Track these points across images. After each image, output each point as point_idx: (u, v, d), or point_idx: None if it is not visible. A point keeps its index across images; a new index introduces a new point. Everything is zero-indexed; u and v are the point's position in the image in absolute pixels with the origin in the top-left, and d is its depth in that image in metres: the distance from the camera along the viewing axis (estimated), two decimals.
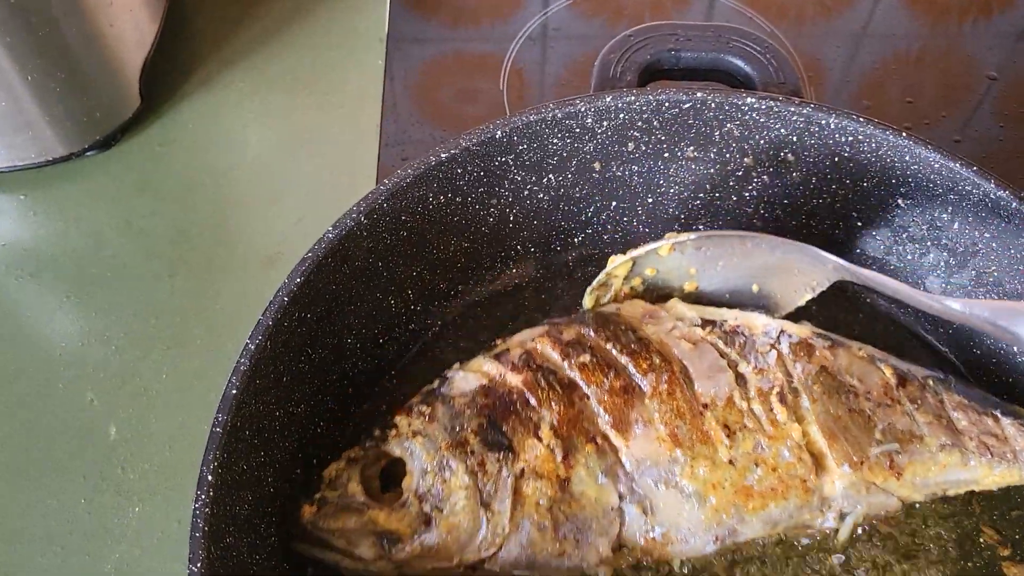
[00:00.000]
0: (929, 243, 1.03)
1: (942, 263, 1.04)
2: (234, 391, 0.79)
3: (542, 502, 0.85)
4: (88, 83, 1.21)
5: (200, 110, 1.35)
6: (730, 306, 0.99)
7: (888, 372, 0.89)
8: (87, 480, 1.02)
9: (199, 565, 0.71)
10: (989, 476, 0.88)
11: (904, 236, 1.05)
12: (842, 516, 0.88)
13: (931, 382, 0.90)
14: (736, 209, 1.08)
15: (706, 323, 0.91)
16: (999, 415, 0.89)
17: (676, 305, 0.95)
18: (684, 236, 0.94)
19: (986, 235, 0.96)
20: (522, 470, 0.85)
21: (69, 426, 1.05)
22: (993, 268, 0.98)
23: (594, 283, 0.98)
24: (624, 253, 0.95)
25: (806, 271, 0.96)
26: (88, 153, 1.28)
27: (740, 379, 0.89)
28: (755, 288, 1.00)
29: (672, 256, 0.97)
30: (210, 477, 0.75)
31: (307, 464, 0.91)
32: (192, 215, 1.24)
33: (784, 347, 0.89)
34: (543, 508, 0.85)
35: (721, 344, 0.88)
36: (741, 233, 0.95)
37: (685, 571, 0.89)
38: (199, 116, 1.34)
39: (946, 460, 0.89)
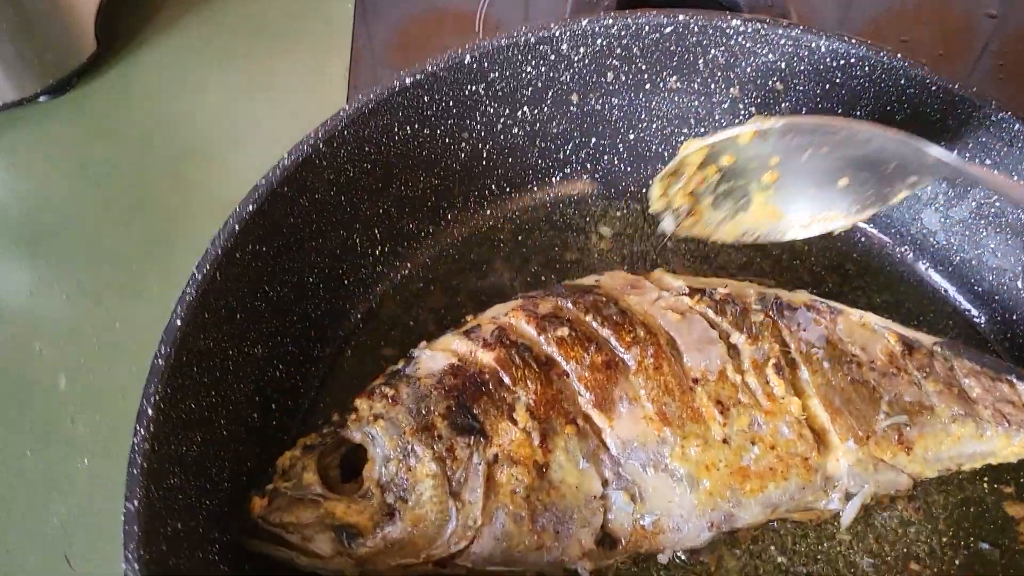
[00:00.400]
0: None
1: (940, 195, 0.98)
2: (179, 322, 0.73)
3: (518, 490, 0.77)
4: (39, 23, 1.14)
5: (159, 55, 1.28)
6: (812, 205, 0.90)
7: (893, 339, 0.82)
8: (33, 432, 0.97)
9: (136, 503, 0.67)
10: (1008, 447, 0.81)
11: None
12: (848, 496, 0.79)
13: (939, 348, 0.83)
14: None
15: (694, 292, 0.83)
16: (1015, 381, 0.82)
17: (662, 276, 0.88)
18: (770, 122, 0.84)
19: (987, 162, 0.90)
20: (495, 456, 0.78)
21: (15, 377, 1.00)
22: (994, 198, 0.92)
23: (663, 171, 0.88)
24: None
25: (904, 165, 0.85)
26: (41, 98, 1.22)
27: (733, 350, 0.81)
28: (842, 182, 0.89)
29: (753, 144, 0.86)
30: (150, 411, 0.70)
31: (265, 409, 0.87)
32: (149, 162, 1.18)
33: (780, 316, 0.81)
34: (519, 497, 0.77)
35: (711, 313, 0.81)
36: (834, 121, 0.84)
37: (678, 560, 0.82)
38: (158, 61, 1.28)
39: (960, 431, 0.82)
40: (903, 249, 1.00)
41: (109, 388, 0.99)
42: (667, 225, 0.88)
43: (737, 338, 0.80)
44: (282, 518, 0.76)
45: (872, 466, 0.79)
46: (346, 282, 0.95)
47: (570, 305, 0.81)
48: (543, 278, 0.98)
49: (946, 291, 0.98)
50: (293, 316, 0.89)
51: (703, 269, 0.97)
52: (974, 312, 0.97)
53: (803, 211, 0.89)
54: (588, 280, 0.86)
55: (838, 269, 1.00)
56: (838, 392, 0.79)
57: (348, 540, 0.76)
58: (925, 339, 0.85)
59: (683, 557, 0.83)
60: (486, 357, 0.78)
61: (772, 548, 0.84)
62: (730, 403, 0.77)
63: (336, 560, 0.76)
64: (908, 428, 0.79)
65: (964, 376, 0.82)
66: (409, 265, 0.99)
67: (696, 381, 0.78)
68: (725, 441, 0.76)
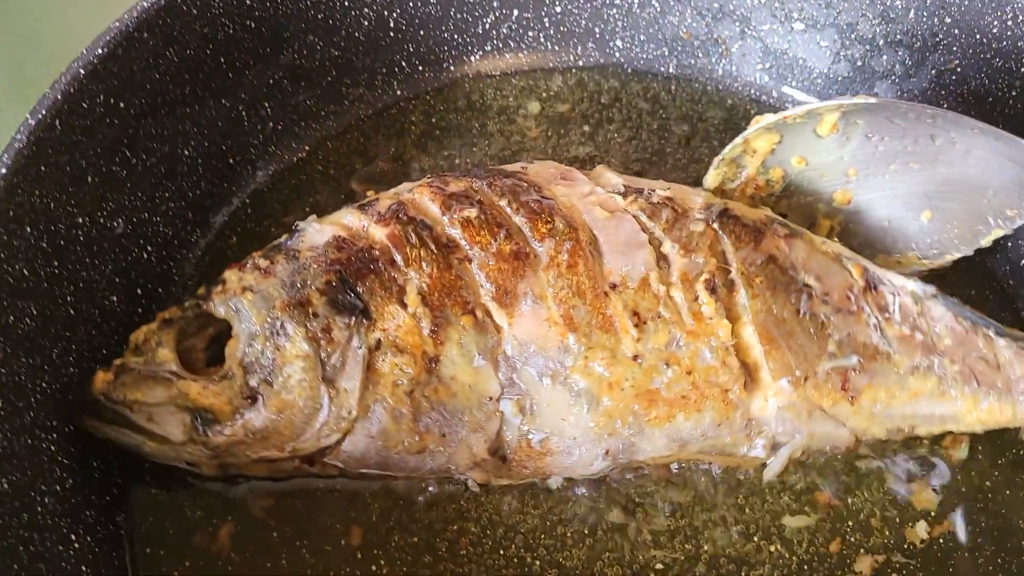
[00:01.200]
0: (881, 41, 0.93)
1: (897, 65, 0.93)
2: (4, 170, 0.69)
3: (401, 383, 0.74)
4: None
5: None
6: (885, 241, 0.84)
7: (856, 272, 0.76)
8: None
9: None
10: (973, 411, 0.76)
11: (853, 37, 0.95)
12: (775, 446, 0.68)
13: (911, 289, 0.72)
14: (659, 19, 0.98)
15: (630, 191, 0.74)
16: (993, 335, 0.76)
17: (603, 171, 0.83)
18: (860, 100, 0.78)
19: (947, 20, 0.85)
20: (378, 341, 0.74)
21: None
22: (956, 62, 0.87)
23: (724, 152, 0.84)
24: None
25: (1003, 192, 0.76)
26: None
27: (662, 260, 0.78)
28: (925, 217, 0.83)
29: (832, 140, 0.81)
30: None
31: (128, 294, 0.82)
32: None
33: (724, 228, 0.70)
34: (401, 391, 0.74)
35: (644, 216, 0.75)
36: (927, 108, 0.77)
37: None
38: None
39: (918, 386, 0.78)
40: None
41: None
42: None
43: (669, 247, 0.74)
44: (127, 395, 0.73)
45: (807, 413, 0.73)
46: (231, 161, 0.92)
47: (484, 187, 0.74)
48: (460, 165, 0.96)
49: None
50: (164, 192, 0.86)
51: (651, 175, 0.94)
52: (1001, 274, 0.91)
53: (870, 247, 0.85)
54: (514, 166, 0.78)
55: None
56: (779, 323, 0.72)
57: (203, 426, 0.73)
58: (897, 278, 0.74)
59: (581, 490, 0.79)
60: (378, 233, 0.74)
61: (677, 488, 0.79)
62: (648, 316, 0.71)
63: (189, 448, 0.74)
64: (856, 374, 0.73)
65: (934, 323, 0.73)
66: (306, 148, 0.96)
67: (613, 287, 0.72)
68: (635, 358, 0.70)
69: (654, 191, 0.81)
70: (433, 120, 0.97)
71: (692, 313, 0.75)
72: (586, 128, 0.98)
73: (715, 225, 0.78)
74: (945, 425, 0.78)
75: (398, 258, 0.75)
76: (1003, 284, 0.89)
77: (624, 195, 0.80)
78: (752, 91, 1.01)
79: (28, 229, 0.71)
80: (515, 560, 0.75)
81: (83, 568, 0.69)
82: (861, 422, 0.76)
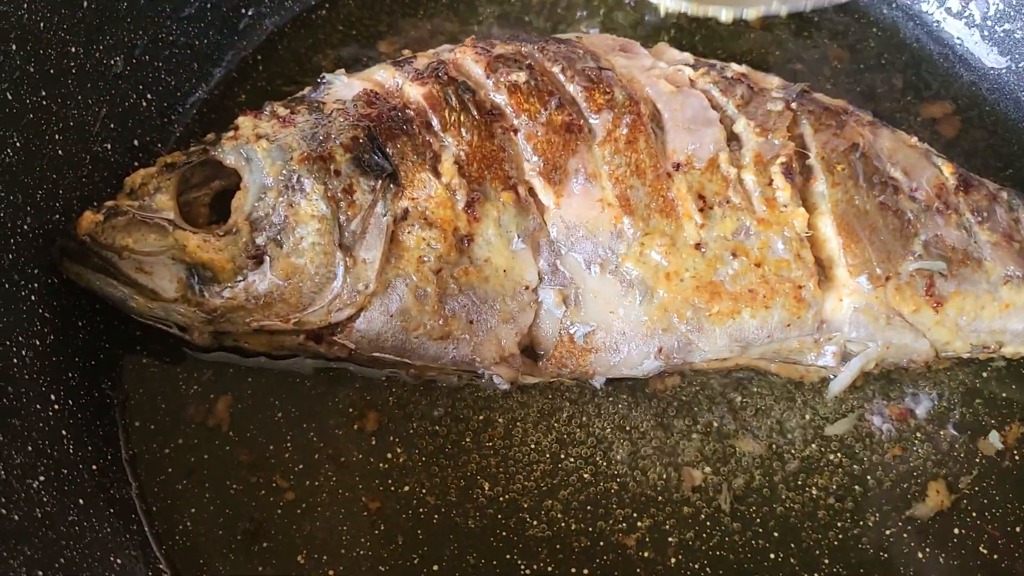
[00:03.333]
0: None
1: None
2: None
3: (428, 259, 0.66)
4: None
5: None
6: None
7: (948, 170, 0.68)
8: None
9: None
10: None
11: None
12: (845, 357, 0.61)
13: (1007, 195, 0.65)
14: None
15: (700, 65, 0.66)
16: None
17: (666, 48, 0.73)
18: None
19: None
20: (405, 211, 0.67)
21: None
22: None
23: None
24: None
25: None
26: None
27: (733, 139, 0.70)
28: None
29: None
30: None
31: (121, 141, 0.75)
32: None
33: (803, 110, 0.63)
34: (427, 268, 0.66)
35: (715, 92, 0.68)
36: None
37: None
38: None
39: (1011, 297, 0.69)
40: None
41: None
42: None
43: (742, 125, 0.66)
44: (116, 239, 0.65)
45: (885, 318, 0.65)
46: (243, 10, 0.84)
47: (535, 51, 0.65)
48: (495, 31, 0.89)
49: None
50: (168, 34, 0.78)
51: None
52: None
53: None
54: (567, 36, 0.68)
55: None
56: (860, 215, 0.65)
57: (199, 284, 0.66)
58: (989, 184, 0.67)
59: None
60: (414, 92, 0.68)
61: (733, 396, 0.71)
62: (715, 201, 0.64)
63: (181, 308, 0.66)
64: (944, 279, 0.65)
65: None
66: (327, 4, 0.88)
67: (677, 167, 0.65)
68: (698, 246, 0.62)
69: (728, 65, 0.74)
70: None
71: (764, 199, 0.67)
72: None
73: (794, 105, 0.71)
74: None
75: (435, 121, 0.68)
76: None
77: (694, 68, 0.72)
78: None
79: (13, 47, 0.64)
80: (547, 455, 0.68)
81: (63, 432, 0.62)
82: (944, 334, 0.69)
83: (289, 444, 0.68)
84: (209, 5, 0.81)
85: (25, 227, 0.65)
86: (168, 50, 0.78)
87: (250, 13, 0.84)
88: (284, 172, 0.66)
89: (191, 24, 0.80)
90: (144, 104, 0.77)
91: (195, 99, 0.81)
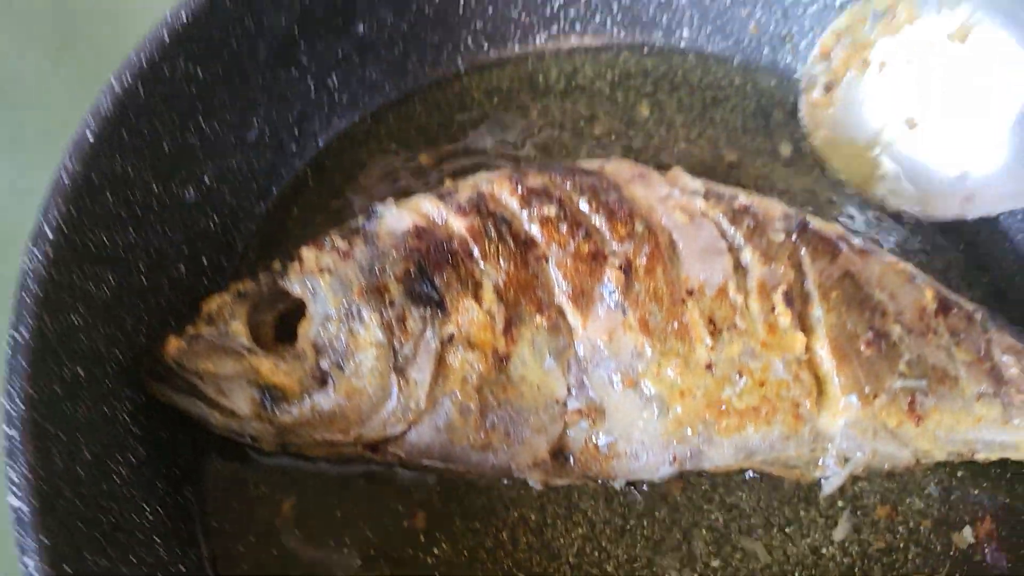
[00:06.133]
0: None
1: None
2: (89, 135, 0.72)
3: (471, 379, 0.77)
4: None
5: None
6: None
7: (929, 294, 0.78)
8: None
9: (25, 333, 0.65)
10: None
11: None
12: (844, 460, 0.71)
13: (980, 315, 0.75)
14: (728, 11, 1.02)
15: (710, 195, 0.76)
16: None
17: (680, 174, 0.84)
18: None
19: None
20: (451, 335, 0.77)
21: None
22: None
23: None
24: None
25: None
26: None
27: (740, 268, 0.81)
28: None
29: None
30: (49, 233, 0.68)
31: (193, 263, 0.85)
32: None
33: (803, 240, 0.73)
34: (471, 386, 0.77)
35: (724, 222, 0.76)
36: None
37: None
38: None
39: (983, 412, 0.80)
40: None
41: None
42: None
43: (748, 255, 0.75)
44: (199, 365, 0.76)
45: (872, 431, 0.76)
46: (296, 131, 0.95)
47: (565, 183, 0.73)
48: (523, 145, 0.98)
49: None
50: (233, 161, 0.89)
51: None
52: None
53: None
54: (592, 163, 0.80)
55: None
56: (852, 338, 0.74)
57: (271, 403, 0.76)
58: (967, 304, 0.76)
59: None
60: (458, 224, 0.75)
61: (738, 495, 0.82)
62: (724, 325, 0.72)
63: (255, 424, 0.77)
64: (924, 396, 0.75)
65: (1002, 352, 0.80)
66: (369, 119, 0.99)
67: (690, 293, 0.74)
68: (709, 367, 0.71)
69: (736, 196, 0.84)
70: (495, 99, 0.99)
71: (767, 324, 0.78)
72: (647, 112, 0.99)
73: (795, 236, 0.81)
74: (1004, 452, 0.81)
75: (476, 251, 0.78)
76: None
77: (705, 197, 0.83)
78: None
79: (107, 195, 0.74)
80: (574, 547, 0.78)
81: (155, 539, 0.72)
82: (924, 443, 0.79)
83: (347, 541, 0.78)
84: (268, 131, 0.90)
85: (118, 354, 0.75)
86: (232, 175, 0.88)
87: (302, 133, 0.94)
88: (345, 303, 0.76)
89: (252, 149, 0.89)
90: (211, 226, 0.87)
91: (255, 215, 0.91)
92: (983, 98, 0.89)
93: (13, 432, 0.62)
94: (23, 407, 0.64)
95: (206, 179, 0.85)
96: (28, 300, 0.66)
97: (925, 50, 0.91)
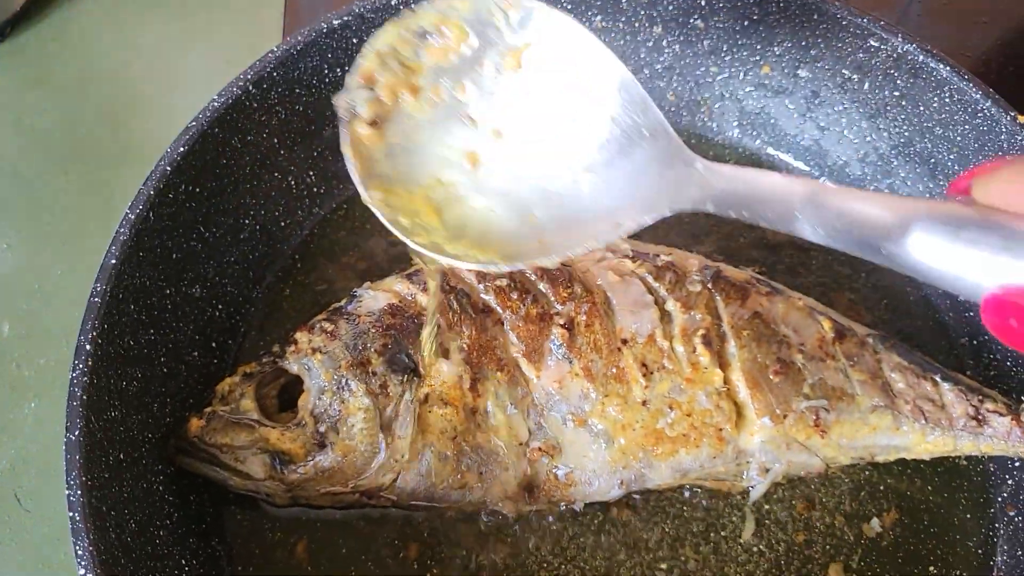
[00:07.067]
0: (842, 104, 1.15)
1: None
2: (113, 260, 0.85)
3: (447, 430, 0.92)
4: None
5: (93, 4, 1.42)
6: None
7: (827, 325, 0.90)
8: None
9: (76, 434, 0.78)
10: (921, 443, 0.90)
11: (816, 102, 1.15)
12: (763, 471, 0.86)
13: (871, 339, 0.90)
14: (649, 84, 1.16)
15: (638, 256, 0.90)
16: (939, 380, 0.91)
17: None
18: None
19: (895, 93, 1.06)
20: (427, 395, 0.92)
21: None
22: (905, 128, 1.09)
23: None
24: None
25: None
26: None
27: (665, 316, 0.96)
28: None
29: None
30: (88, 346, 0.81)
31: (205, 348, 1.00)
32: (86, 110, 1.32)
33: (717, 288, 0.86)
34: (447, 437, 0.92)
35: (650, 278, 0.89)
36: None
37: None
38: (92, 11, 1.41)
39: (877, 422, 0.92)
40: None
41: (52, 333, 1.13)
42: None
43: (671, 305, 0.88)
44: (217, 439, 0.90)
45: (785, 445, 0.88)
46: (282, 224, 1.10)
47: None
48: None
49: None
50: (230, 257, 1.03)
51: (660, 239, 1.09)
52: (942, 308, 1.11)
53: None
54: None
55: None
56: (762, 369, 0.87)
57: (280, 465, 0.91)
58: (860, 329, 0.92)
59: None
60: (425, 300, 0.85)
61: (679, 507, 0.98)
62: (654, 367, 0.85)
63: (268, 483, 0.92)
64: (826, 412, 0.88)
65: (891, 370, 0.90)
66: (344, 206, 1.13)
67: (625, 342, 0.86)
68: (644, 403, 0.85)
69: (658, 255, 0.99)
70: None
71: (691, 363, 0.93)
72: None
73: (709, 285, 0.96)
74: (899, 453, 0.96)
75: (442, 323, 0.93)
76: (943, 317, 1.09)
77: (632, 259, 0.98)
78: (734, 147, 1.19)
79: (131, 306, 0.88)
80: (546, 563, 0.93)
81: None
82: (830, 452, 0.95)
83: (353, 572, 0.93)
84: (258, 227, 1.05)
85: (149, 435, 0.89)
86: (231, 269, 1.02)
87: (288, 224, 1.08)
88: (335, 377, 0.91)
89: (246, 244, 1.04)
90: (217, 314, 1.01)
91: (253, 300, 1.05)
92: (551, 130, 0.74)
93: (74, 514, 0.76)
94: (79, 493, 0.77)
95: (209, 276, 0.99)
96: (76, 405, 0.79)
97: (483, 76, 0.75)
